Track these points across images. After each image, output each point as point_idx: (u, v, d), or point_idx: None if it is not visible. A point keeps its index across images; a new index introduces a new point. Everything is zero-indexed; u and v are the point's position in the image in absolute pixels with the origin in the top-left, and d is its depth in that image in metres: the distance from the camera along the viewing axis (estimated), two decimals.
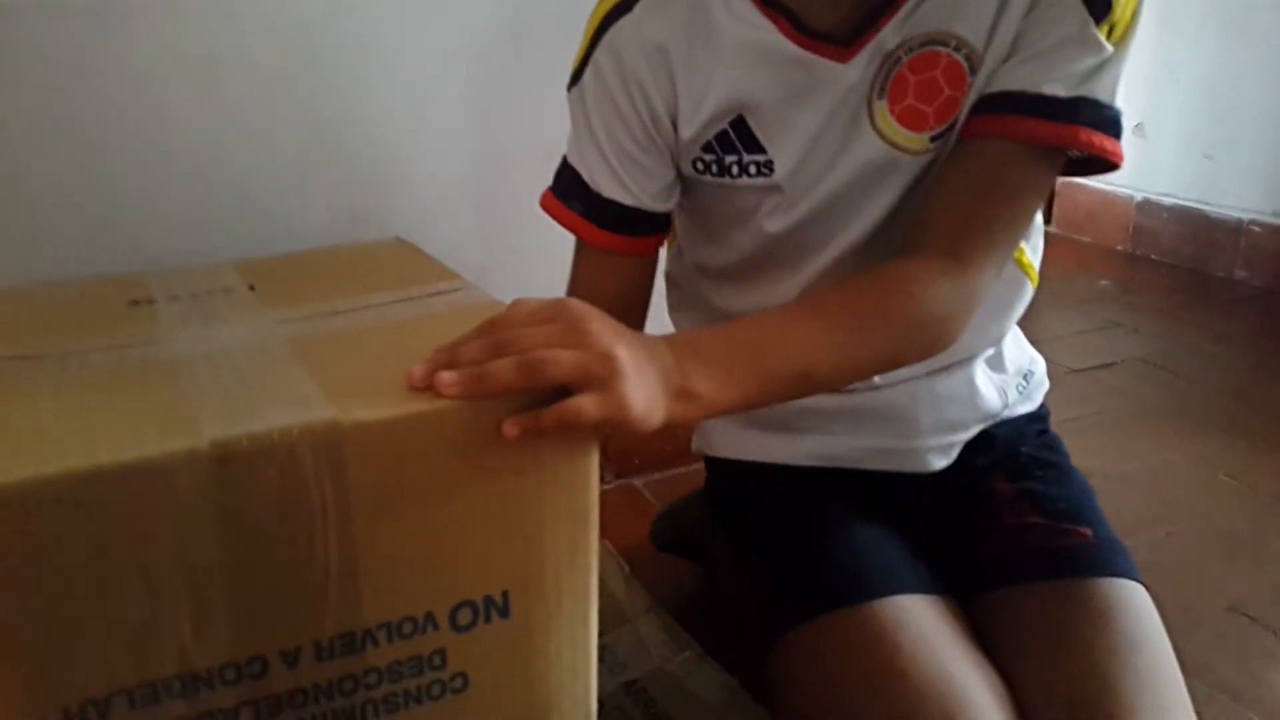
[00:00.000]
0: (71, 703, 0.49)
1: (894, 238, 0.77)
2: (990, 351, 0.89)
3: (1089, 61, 0.70)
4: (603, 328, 0.56)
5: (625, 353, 0.55)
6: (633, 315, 0.87)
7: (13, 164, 0.92)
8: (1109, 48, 0.70)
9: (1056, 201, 2.88)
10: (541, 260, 0.87)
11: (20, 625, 0.48)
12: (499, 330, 0.56)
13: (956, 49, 0.73)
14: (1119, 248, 2.73)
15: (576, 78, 0.81)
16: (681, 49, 0.77)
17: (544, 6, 1.07)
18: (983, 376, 0.87)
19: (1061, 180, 2.79)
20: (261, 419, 0.51)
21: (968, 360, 0.86)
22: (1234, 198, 2.49)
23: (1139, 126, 2.66)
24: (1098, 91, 0.71)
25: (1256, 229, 2.44)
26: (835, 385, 0.69)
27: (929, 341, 0.71)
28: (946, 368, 0.85)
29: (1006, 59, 0.72)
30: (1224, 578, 1.20)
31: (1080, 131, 0.70)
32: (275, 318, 0.69)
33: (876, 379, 0.83)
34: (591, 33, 0.80)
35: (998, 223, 0.73)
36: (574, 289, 0.87)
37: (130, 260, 0.94)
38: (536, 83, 1.02)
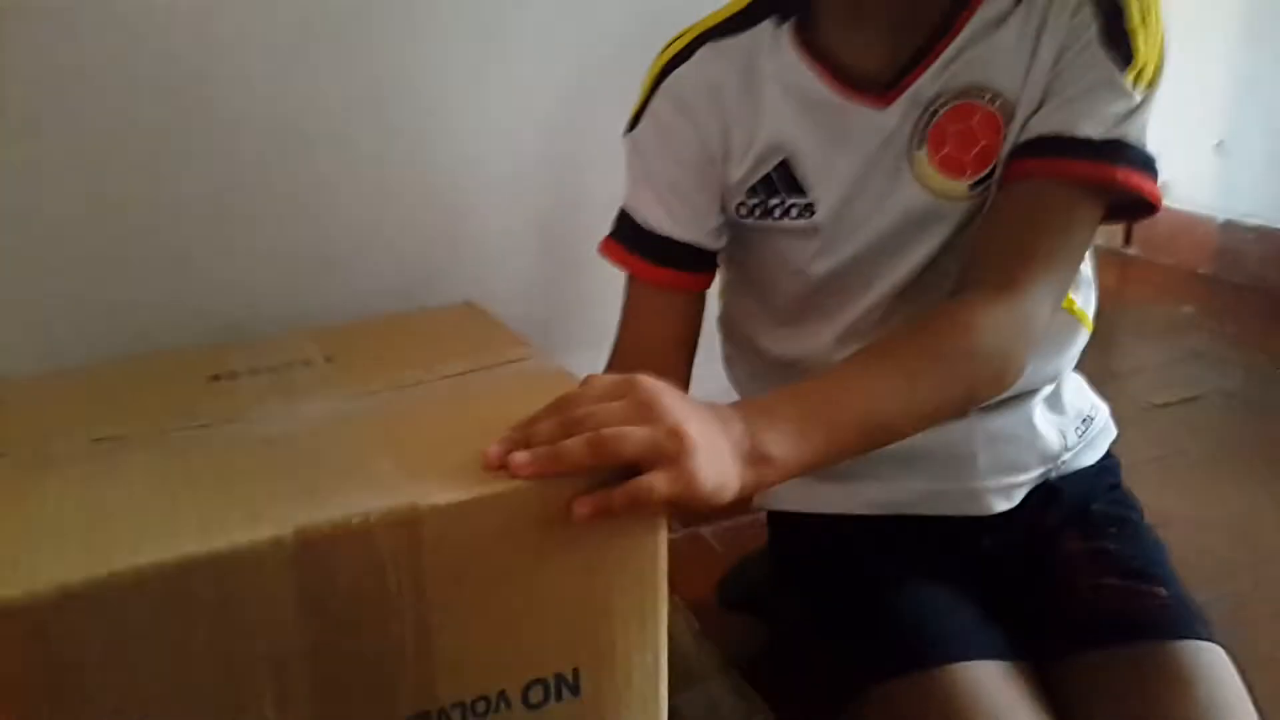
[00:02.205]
0: None
1: (938, 282, 0.79)
2: (1047, 390, 0.88)
3: (1119, 106, 0.72)
4: (673, 402, 0.57)
5: (696, 427, 0.56)
6: (681, 354, 0.90)
7: (89, 241, 0.96)
8: (1137, 95, 0.73)
9: (1136, 225, 2.81)
10: (607, 311, 0.89)
11: (114, 706, 0.49)
12: (571, 408, 0.57)
13: (991, 100, 0.76)
14: (1202, 271, 2.65)
15: (634, 123, 0.86)
16: (734, 93, 0.81)
17: (607, 64, 1.09)
18: (1040, 416, 0.86)
19: None
20: (343, 502, 0.53)
21: (1023, 398, 0.86)
22: None
23: (1220, 145, 2.58)
24: (1129, 135, 0.73)
25: None
26: (908, 433, 0.68)
27: (994, 376, 0.71)
28: (1002, 404, 0.85)
29: (1039, 107, 0.74)
30: None
31: (1118, 171, 0.72)
32: (353, 391, 0.71)
33: None
34: (651, 80, 0.85)
35: (1049, 252, 0.73)
36: (625, 326, 0.90)
37: (212, 324, 0.97)
38: (600, 139, 1.03)
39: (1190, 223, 2.69)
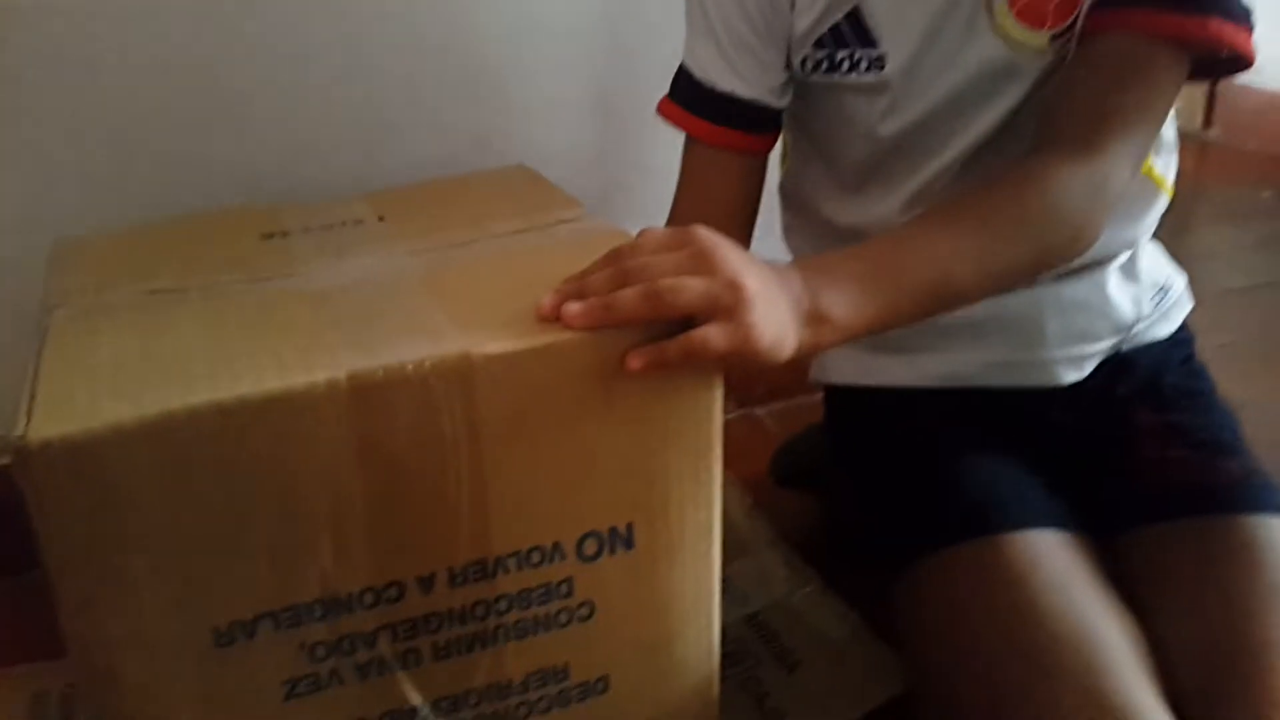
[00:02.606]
0: (221, 623, 0.52)
1: (1012, 146, 0.75)
2: (1124, 258, 0.84)
3: None
4: (732, 254, 0.55)
5: (754, 280, 0.54)
6: (740, 221, 0.86)
7: (145, 100, 0.94)
8: None
9: (1218, 104, 2.67)
10: (666, 180, 0.86)
11: (170, 549, 0.50)
12: (626, 259, 0.56)
13: None
14: None
15: None
16: None
17: None
18: (1115, 284, 0.83)
19: (1222, 82, 2.60)
20: (396, 351, 0.52)
21: (1098, 265, 0.82)
22: None
23: None
24: None
25: None
26: (977, 297, 0.66)
27: (1069, 239, 0.68)
28: (1075, 272, 0.81)
29: None
30: None
31: (1210, 23, 0.67)
32: (405, 249, 0.69)
33: None
34: None
35: (1129, 112, 0.69)
36: (681, 191, 0.87)
37: (260, 190, 0.96)
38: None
39: (1276, 102, 2.55)
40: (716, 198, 0.85)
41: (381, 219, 0.76)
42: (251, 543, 0.52)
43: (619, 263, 0.56)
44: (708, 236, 0.56)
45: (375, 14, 0.99)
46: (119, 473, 0.48)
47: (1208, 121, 2.68)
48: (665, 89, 0.86)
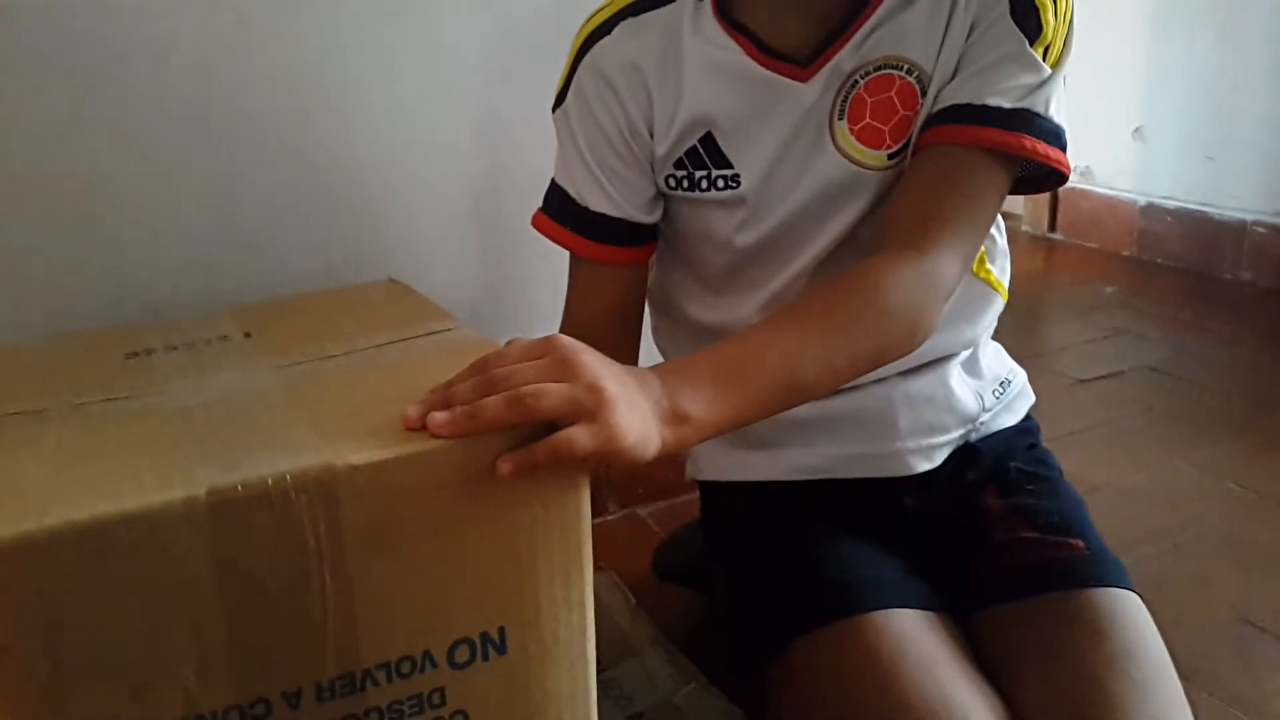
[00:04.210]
0: None
1: (859, 251, 0.81)
2: (965, 355, 0.90)
3: (1028, 79, 0.75)
4: (592, 360, 0.58)
5: (614, 384, 0.57)
6: (628, 327, 0.91)
7: (7, 218, 0.93)
8: (1046, 69, 0.75)
9: (1060, 208, 2.88)
10: (536, 290, 0.89)
11: (28, 671, 0.49)
12: (490, 368, 0.58)
13: (908, 72, 0.78)
14: (1125, 253, 2.73)
15: (561, 98, 0.87)
16: (655, 67, 0.82)
17: (530, 39, 1.09)
18: (959, 379, 0.89)
19: (1065, 187, 2.81)
20: (257, 466, 0.52)
21: (942, 362, 0.88)
22: (1236, 199, 2.49)
23: (1138, 131, 2.66)
24: (1038, 105, 0.75)
25: (1260, 230, 2.44)
26: (821, 390, 0.70)
27: (906, 332, 0.72)
28: (919, 368, 0.87)
29: (953, 78, 0.77)
30: (1234, 588, 1.19)
31: (1026, 139, 0.75)
32: (271, 364, 0.70)
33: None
34: (574, 54, 0.85)
35: (955, 213, 0.76)
36: (570, 305, 0.91)
37: (130, 307, 0.95)
38: (526, 114, 1.03)
39: (1112, 205, 2.77)
40: (604, 304, 0.89)
41: (248, 335, 0.76)
42: (114, 661, 0.50)
43: (483, 372, 0.58)
44: (568, 344, 0.58)
45: (245, 127, 1.00)
46: None
47: (1053, 224, 2.89)
48: (536, 201, 0.90)
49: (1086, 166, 2.78)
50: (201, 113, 0.97)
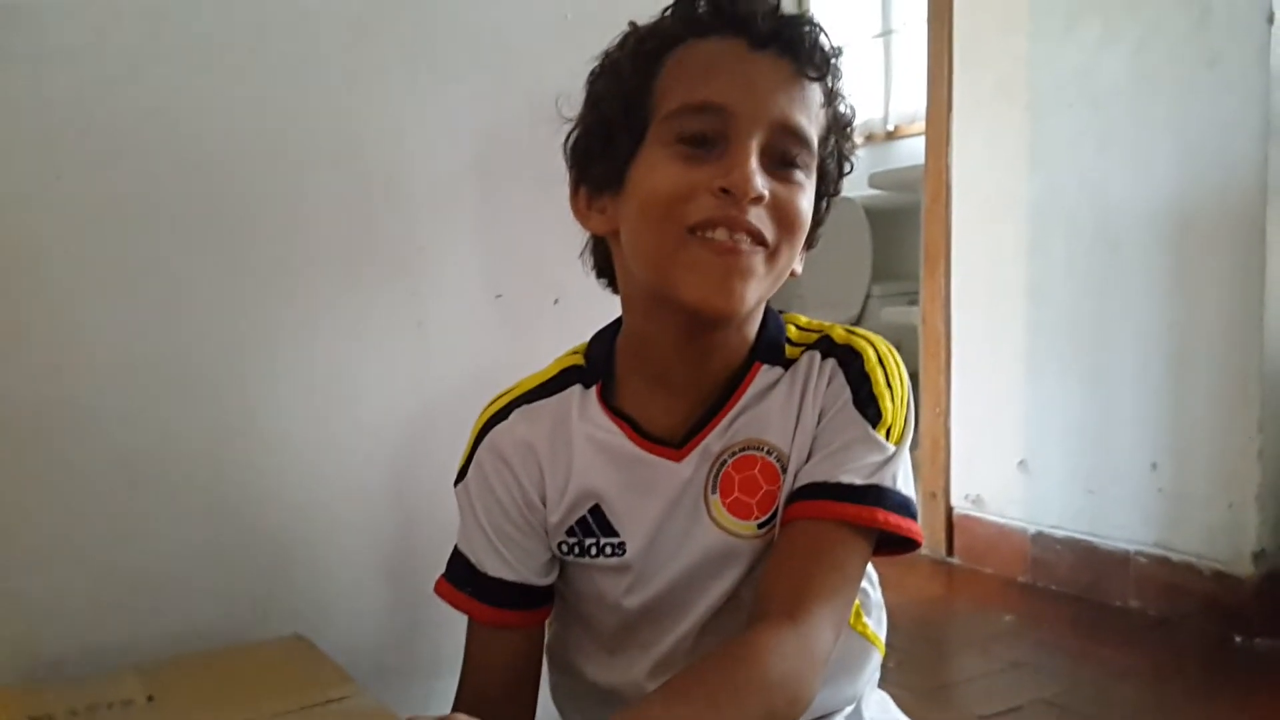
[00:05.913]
0: None
1: (740, 612, 0.87)
2: (848, 711, 0.95)
3: (875, 457, 0.85)
4: None
5: None
6: (525, 686, 0.96)
7: None
8: (890, 447, 0.86)
9: (956, 534, 3.01)
10: (443, 638, 0.93)
11: None
12: None
13: (768, 453, 0.88)
14: (1020, 579, 2.82)
15: (462, 474, 0.96)
16: (547, 447, 0.92)
17: (443, 414, 1.15)
18: None
19: (960, 513, 2.96)
20: None
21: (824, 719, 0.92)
22: (1119, 529, 2.62)
23: (1022, 463, 2.84)
24: (886, 480, 0.85)
25: (1142, 559, 2.56)
26: None
27: (788, 702, 0.77)
28: None
29: (808, 458, 0.87)
30: None
31: (878, 513, 0.84)
32: None
33: None
34: (474, 437, 0.95)
35: (825, 582, 0.83)
36: (467, 665, 0.95)
37: (28, 661, 0.95)
38: (439, 474, 1.10)
39: (1004, 534, 2.90)
40: (500, 666, 0.94)
41: (151, 699, 0.78)
42: None
43: None
44: None
45: (156, 475, 1.03)
46: None
47: (950, 549, 3.00)
48: (445, 550, 0.96)
49: (978, 495, 2.94)
50: (110, 463, 1.01)
